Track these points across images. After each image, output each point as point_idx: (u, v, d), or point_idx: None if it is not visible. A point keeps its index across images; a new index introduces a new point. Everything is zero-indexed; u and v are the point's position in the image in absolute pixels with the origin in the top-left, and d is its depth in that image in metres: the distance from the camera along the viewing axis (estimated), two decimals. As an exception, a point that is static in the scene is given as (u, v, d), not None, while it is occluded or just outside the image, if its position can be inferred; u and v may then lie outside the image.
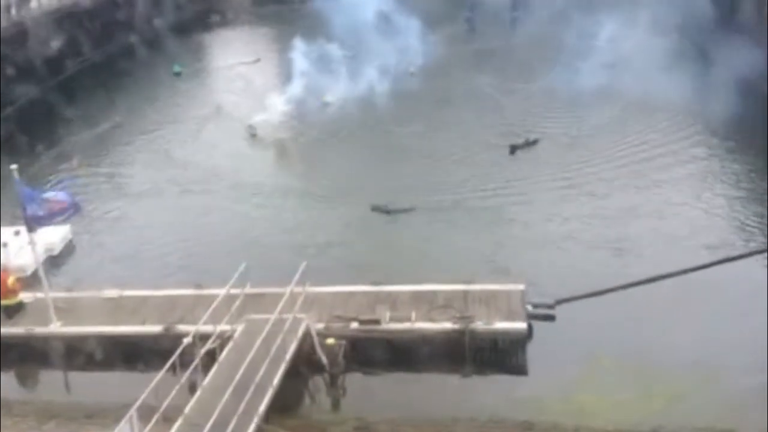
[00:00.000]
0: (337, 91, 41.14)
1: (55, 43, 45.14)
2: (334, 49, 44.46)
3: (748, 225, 26.55)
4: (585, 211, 27.99)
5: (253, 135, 38.44)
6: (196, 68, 52.06)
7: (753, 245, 25.00)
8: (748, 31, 41.14)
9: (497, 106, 39.69)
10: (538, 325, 20.83)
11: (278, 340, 18.22)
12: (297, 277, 19.85)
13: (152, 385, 16.17)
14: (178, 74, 49.79)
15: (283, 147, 37.09)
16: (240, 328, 19.68)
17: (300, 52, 44.41)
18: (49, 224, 22.92)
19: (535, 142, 34.11)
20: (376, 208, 28.65)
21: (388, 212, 28.46)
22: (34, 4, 49.69)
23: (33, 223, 21.09)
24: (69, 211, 22.82)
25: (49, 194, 22.42)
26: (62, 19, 49.44)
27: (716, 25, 44.28)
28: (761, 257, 24.32)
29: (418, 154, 33.91)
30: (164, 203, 31.26)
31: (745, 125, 34.36)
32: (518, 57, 48.56)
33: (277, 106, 40.28)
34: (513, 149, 33.74)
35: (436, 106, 39.84)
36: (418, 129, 36.87)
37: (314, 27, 44.84)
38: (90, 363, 20.26)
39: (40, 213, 21.26)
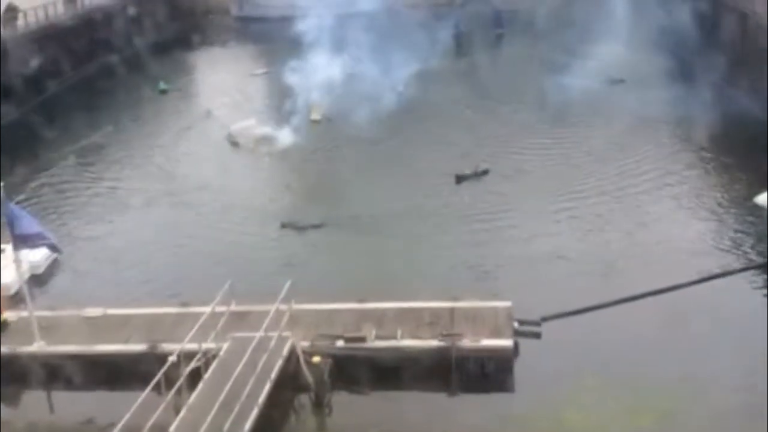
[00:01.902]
0: (325, 108, 41.23)
1: (38, 62, 45.19)
2: (321, 67, 44.59)
3: (735, 242, 26.63)
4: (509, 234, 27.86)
5: (234, 143, 39.10)
6: (181, 86, 52.08)
7: (742, 263, 25.09)
8: (732, 48, 41.50)
9: (475, 128, 39.37)
10: (524, 342, 20.79)
11: (263, 359, 18.16)
12: (282, 295, 19.78)
13: (137, 404, 16.13)
14: (163, 92, 49.75)
15: (260, 162, 37.42)
16: (225, 346, 19.57)
17: (286, 70, 44.55)
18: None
19: (485, 173, 32.64)
20: (285, 225, 29.01)
21: (298, 228, 28.73)
22: (20, 23, 49.67)
23: (19, 243, 20.94)
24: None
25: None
26: (45, 38, 49.47)
27: (700, 43, 44.68)
28: (749, 274, 24.47)
29: (376, 175, 33.69)
30: (149, 219, 31.19)
31: (732, 143, 34.60)
32: (502, 74, 48.97)
33: (262, 122, 40.41)
34: (459, 179, 32.29)
35: (418, 125, 39.76)
36: (391, 150, 36.58)
37: (301, 45, 44.95)
38: (74, 382, 20.08)
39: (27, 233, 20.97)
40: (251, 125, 40.06)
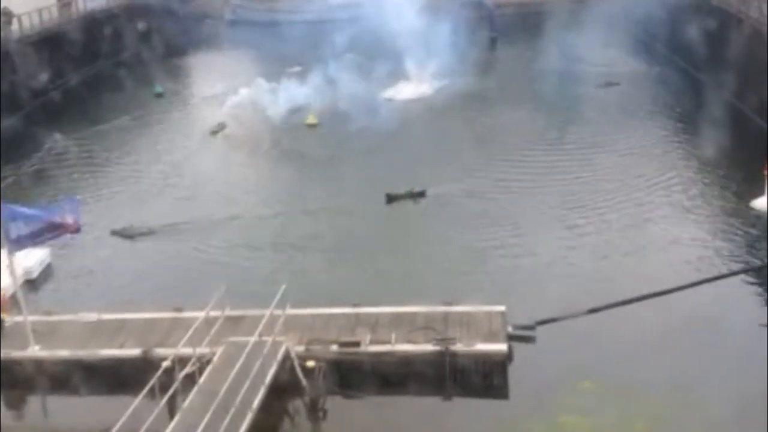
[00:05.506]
0: (322, 112, 41.30)
1: (33, 67, 45.23)
2: (318, 73, 44.73)
3: (732, 245, 26.62)
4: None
5: (214, 132, 40.28)
6: (177, 89, 52.18)
7: (738, 266, 25.06)
8: (727, 52, 41.55)
9: (464, 139, 38.79)
10: (518, 346, 20.77)
11: (258, 364, 18.10)
12: (277, 299, 19.75)
13: (131, 409, 16.09)
14: (159, 95, 49.85)
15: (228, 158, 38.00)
16: (219, 351, 19.53)
17: (285, 74, 44.66)
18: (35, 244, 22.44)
19: (422, 194, 30.95)
20: (115, 232, 29.20)
21: (127, 237, 28.91)
22: (15, 27, 49.65)
23: (14, 245, 20.82)
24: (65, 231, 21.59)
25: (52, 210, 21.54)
26: (39, 42, 49.48)
27: (696, 47, 44.80)
28: (745, 277, 24.46)
29: (317, 181, 33.84)
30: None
31: (727, 145, 34.61)
32: (496, 81, 49.11)
33: (255, 124, 40.67)
34: (390, 199, 30.85)
35: (407, 134, 39.62)
36: (370, 162, 35.83)
37: (295, 52, 45.06)
38: (68, 387, 20.07)
39: (25, 231, 20.78)
40: (243, 100, 41.91)
